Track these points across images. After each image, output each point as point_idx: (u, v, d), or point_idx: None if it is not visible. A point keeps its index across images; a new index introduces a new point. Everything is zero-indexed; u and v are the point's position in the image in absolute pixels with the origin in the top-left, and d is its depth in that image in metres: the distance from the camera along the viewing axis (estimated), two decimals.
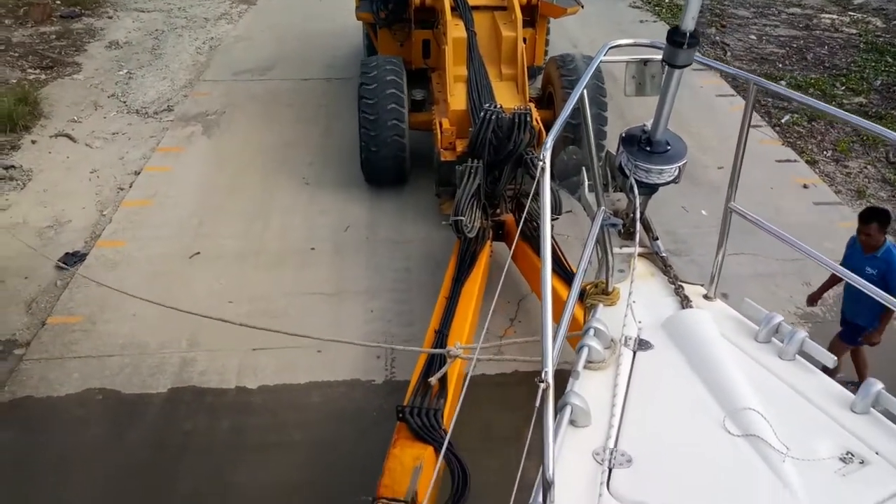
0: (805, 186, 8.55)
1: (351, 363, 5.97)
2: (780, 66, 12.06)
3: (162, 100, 10.44)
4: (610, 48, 3.01)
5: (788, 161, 9.11)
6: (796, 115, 10.22)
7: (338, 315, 6.50)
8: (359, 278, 6.94)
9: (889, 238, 5.26)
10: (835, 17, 14.42)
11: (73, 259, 6.98)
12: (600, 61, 2.99)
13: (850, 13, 14.65)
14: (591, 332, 2.66)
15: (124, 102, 10.39)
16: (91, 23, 13.44)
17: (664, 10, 14.54)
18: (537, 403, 1.86)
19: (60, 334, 6.23)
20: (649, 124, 2.96)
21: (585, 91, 2.89)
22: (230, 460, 5.17)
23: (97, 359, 6.00)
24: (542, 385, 1.86)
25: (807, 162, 9.10)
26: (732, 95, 10.72)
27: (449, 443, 4.05)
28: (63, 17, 13.52)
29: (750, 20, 14.32)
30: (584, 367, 2.57)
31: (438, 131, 7.19)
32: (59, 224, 7.72)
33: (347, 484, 4.81)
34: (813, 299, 5.97)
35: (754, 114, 10.30)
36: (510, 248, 6.22)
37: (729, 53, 12.59)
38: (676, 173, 2.96)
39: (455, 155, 6.91)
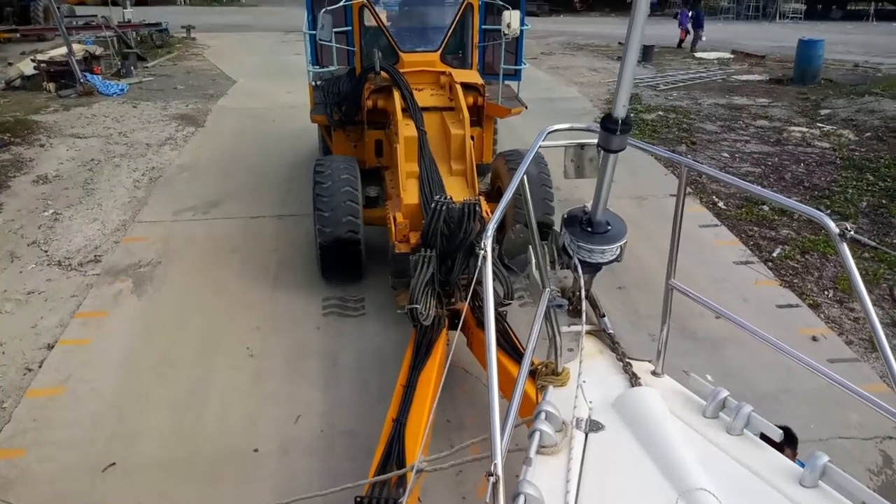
0: (814, 339, 7.68)
1: None
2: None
3: (89, 247, 9.28)
4: (549, 133, 3.08)
5: (790, 306, 8.27)
6: (787, 248, 9.51)
7: None
8: (312, 491, 5.68)
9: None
10: (804, 129, 14.12)
11: None
12: (539, 146, 3.06)
13: (818, 125, 14.39)
14: (543, 415, 2.66)
15: (46, 252, 9.20)
16: (20, 153, 12.39)
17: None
18: (488, 499, 1.82)
19: None
20: (590, 205, 3.02)
21: (526, 176, 3.02)
22: None
23: None
24: (492, 479, 1.82)
25: (809, 306, 8.28)
26: (716, 226, 10.02)
27: None
28: None
29: (719, 135, 13.93)
30: (537, 453, 2.55)
31: (392, 225, 7.39)
32: None
33: None
34: None
35: (745, 249, 9.64)
36: (466, 337, 6.31)
37: (703, 176, 12.02)
38: (618, 252, 3.04)
39: (409, 247, 7.06)
